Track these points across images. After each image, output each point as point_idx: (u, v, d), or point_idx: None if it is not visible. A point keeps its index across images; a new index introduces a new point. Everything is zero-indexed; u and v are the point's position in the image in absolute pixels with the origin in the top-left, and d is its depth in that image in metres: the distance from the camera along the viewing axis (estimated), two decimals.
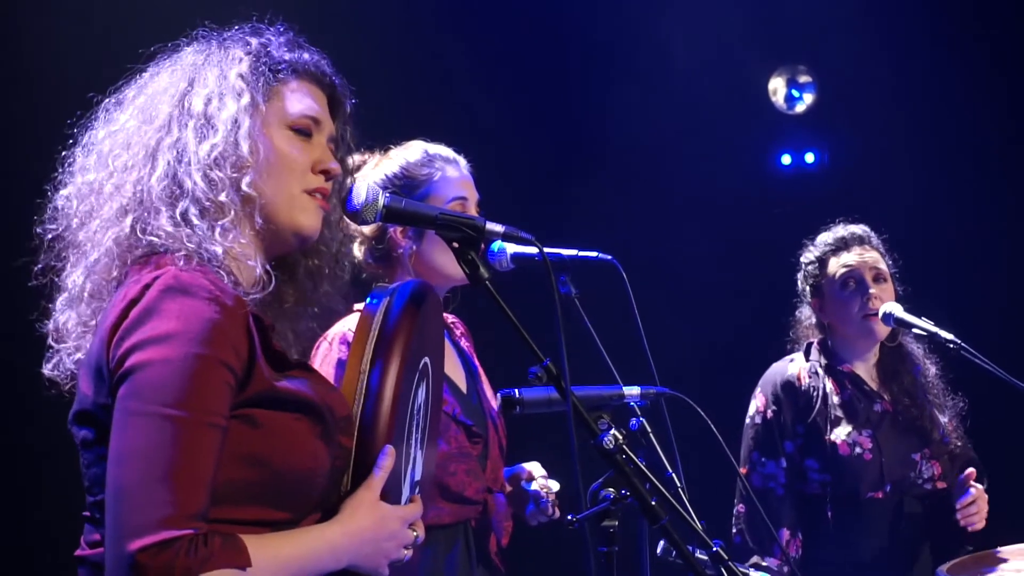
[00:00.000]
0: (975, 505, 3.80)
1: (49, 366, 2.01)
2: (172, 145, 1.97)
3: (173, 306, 1.80)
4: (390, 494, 2.02)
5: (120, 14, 4.61)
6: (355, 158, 3.18)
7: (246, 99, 2.00)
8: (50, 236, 2.03)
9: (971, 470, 3.84)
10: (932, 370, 4.02)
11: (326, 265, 2.19)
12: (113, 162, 1.99)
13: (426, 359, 2.20)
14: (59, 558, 2.17)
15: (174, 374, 1.76)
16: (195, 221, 1.92)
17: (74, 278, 1.97)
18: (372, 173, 3.13)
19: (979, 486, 3.84)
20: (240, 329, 1.84)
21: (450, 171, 3.15)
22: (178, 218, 1.92)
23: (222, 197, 1.95)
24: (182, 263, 1.87)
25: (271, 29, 2.12)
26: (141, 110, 2.02)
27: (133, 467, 1.73)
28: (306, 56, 2.10)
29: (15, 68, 4.62)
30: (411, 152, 3.17)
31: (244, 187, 1.97)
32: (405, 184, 3.10)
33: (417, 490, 2.18)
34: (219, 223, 1.93)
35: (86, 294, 1.95)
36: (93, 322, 1.94)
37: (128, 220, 1.94)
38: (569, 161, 6.05)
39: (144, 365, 1.77)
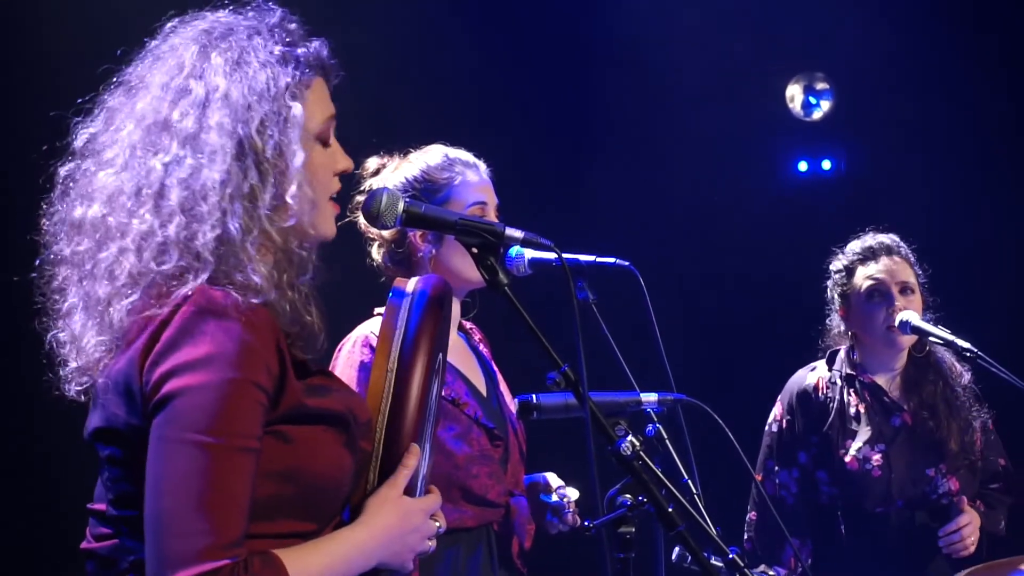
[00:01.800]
0: (958, 533, 3.77)
1: (69, 387, 1.95)
2: (236, 189, 1.88)
3: (207, 328, 1.79)
4: (412, 489, 2.03)
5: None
6: (374, 162, 3.21)
7: (300, 131, 1.94)
8: (67, 250, 1.96)
9: (963, 498, 3.82)
10: (965, 378, 3.98)
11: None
12: (144, 175, 1.91)
13: (440, 355, 2.21)
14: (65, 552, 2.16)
15: (211, 401, 1.76)
16: (234, 245, 1.87)
17: (97, 293, 1.91)
18: (392, 177, 3.14)
19: (970, 512, 3.81)
20: (271, 348, 1.83)
21: (470, 175, 3.15)
22: (216, 244, 1.87)
23: (277, 237, 1.91)
24: (212, 284, 1.84)
25: (276, 13, 2.03)
26: (176, 130, 1.91)
27: (173, 497, 1.74)
28: (319, 48, 2.03)
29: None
30: (431, 156, 3.18)
31: (304, 223, 1.94)
32: (425, 188, 3.10)
33: (427, 480, 2.18)
34: (255, 244, 1.89)
35: (110, 311, 1.90)
36: (116, 339, 1.89)
37: (160, 240, 1.88)
38: (585, 167, 6.04)
39: (181, 392, 1.76)
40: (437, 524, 2.07)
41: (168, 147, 1.90)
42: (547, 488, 3.14)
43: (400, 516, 1.98)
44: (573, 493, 3.13)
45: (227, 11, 2.03)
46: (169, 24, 2.03)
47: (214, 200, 1.87)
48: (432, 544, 2.06)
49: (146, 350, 1.82)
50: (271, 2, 2.06)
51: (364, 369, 2.94)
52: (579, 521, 3.11)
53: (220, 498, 1.74)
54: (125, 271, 1.88)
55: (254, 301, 1.85)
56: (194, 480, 1.73)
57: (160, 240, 1.87)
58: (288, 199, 1.91)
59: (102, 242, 1.92)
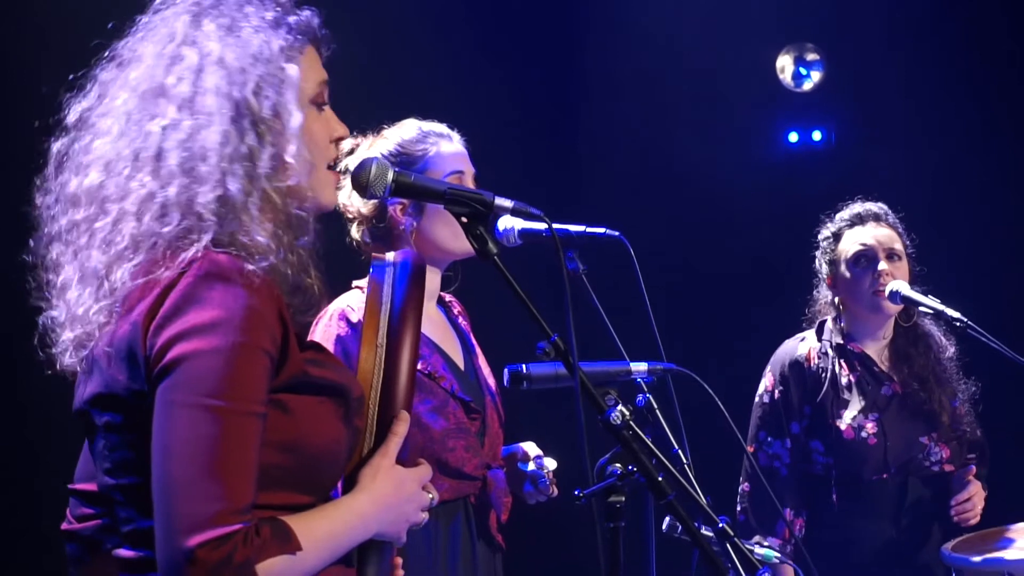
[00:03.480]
0: (970, 502, 3.82)
1: (64, 358, 1.93)
2: (235, 150, 1.88)
3: (213, 293, 1.78)
4: (403, 458, 2.03)
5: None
6: (348, 142, 3.19)
7: (296, 92, 1.94)
8: (63, 223, 1.94)
9: (972, 467, 3.85)
10: (950, 351, 4.01)
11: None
12: (141, 140, 1.90)
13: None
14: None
15: (220, 365, 1.75)
16: (235, 205, 1.86)
17: (95, 261, 1.89)
18: (368, 154, 3.13)
19: (977, 482, 3.86)
20: (275, 315, 1.83)
21: (444, 146, 3.16)
22: (218, 205, 1.86)
23: (276, 198, 1.91)
24: (216, 247, 1.84)
25: None
26: (172, 95, 1.90)
27: (184, 461, 1.73)
28: (311, 16, 2.03)
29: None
30: (405, 130, 3.18)
31: (303, 184, 1.94)
32: (401, 161, 3.10)
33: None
34: (256, 205, 1.88)
35: (111, 277, 1.88)
36: (116, 305, 1.87)
37: (160, 202, 1.86)
38: (574, 137, 6.04)
39: (189, 356, 1.75)
40: (430, 495, 2.07)
41: (165, 111, 1.89)
42: (525, 457, 3.15)
43: (395, 485, 1.98)
44: (551, 463, 3.13)
45: None
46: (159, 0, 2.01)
47: (213, 161, 1.86)
48: (425, 516, 2.06)
49: (151, 314, 1.80)
50: None
51: (340, 342, 2.95)
52: (555, 491, 3.12)
53: (232, 463, 1.73)
54: (126, 236, 1.87)
55: (261, 264, 1.84)
56: (205, 444, 1.72)
57: (160, 202, 1.86)
58: (287, 158, 1.91)
59: (100, 209, 1.90)
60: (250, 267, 1.82)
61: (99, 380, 1.87)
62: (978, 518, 3.84)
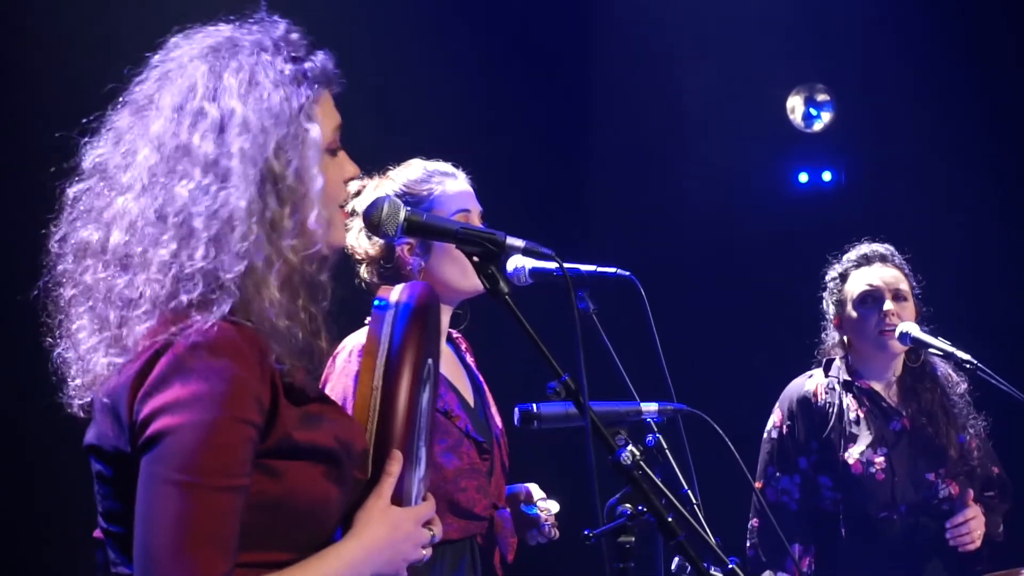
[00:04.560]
0: (966, 525, 3.80)
1: (73, 403, 1.95)
2: (260, 217, 1.86)
3: (198, 365, 1.78)
4: (402, 498, 2.02)
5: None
6: (354, 184, 3.19)
7: (318, 152, 1.92)
8: (74, 272, 1.94)
9: (970, 491, 3.84)
10: (961, 387, 4.01)
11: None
12: (168, 201, 1.87)
13: (430, 361, 2.20)
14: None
15: (198, 441, 1.76)
16: (258, 275, 1.85)
17: (112, 317, 1.89)
18: (375, 196, 3.14)
19: (976, 506, 3.84)
20: (264, 380, 1.83)
21: (450, 185, 3.16)
22: (243, 277, 1.85)
23: (289, 255, 1.89)
24: (212, 316, 1.82)
25: (280, 26, 2.00)
26: (196, 156, 1.88)
27: (160, 533, 1.75)
28: (325, 60, 2.00)
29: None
30: (411, 171, 3.18)
31: (312, 250, 1.92)
32: (407, 202, 3.06)
33: (425, 485, 2.18)
34: (278, 275, 1.87)
35: (124, 333, 1.87)
36: (119, 359, 1.87)
37: (184, 268, 1.85)
38: (585, 178, 6.05)
39: (169, 431, 1.77)
40: (431, 532, 2.06)
41: (191, 173, 1.87)
42: (528, 499, 3.15)
43: (389, 526, 1.97)
44: (553, 506, 3.14)
45: (231, 25, 2.00)
46: (172, 40, 2.00)
47: (241, 229, 1.85)
48: (427, 553, 2.05)
49: (139, 380, 1.81)
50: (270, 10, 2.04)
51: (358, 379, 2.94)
52: (557, 534, 3.12)
53: (204, 538, 1.75)
54: (147, 298, 1.86)
55: (255, 330, 1.83)
56: (181, 520, 1.75)
57: (185, 268, 1.84)
58: (310, 225, 1.90)
59: (122, 267, 1.89)
60: (240, 333, 1.82)
61: (95, 430, 1.90)
62: (977, 543, 3.81)
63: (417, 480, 2.14)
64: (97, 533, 1.97)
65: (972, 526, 3.80)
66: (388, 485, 1.99)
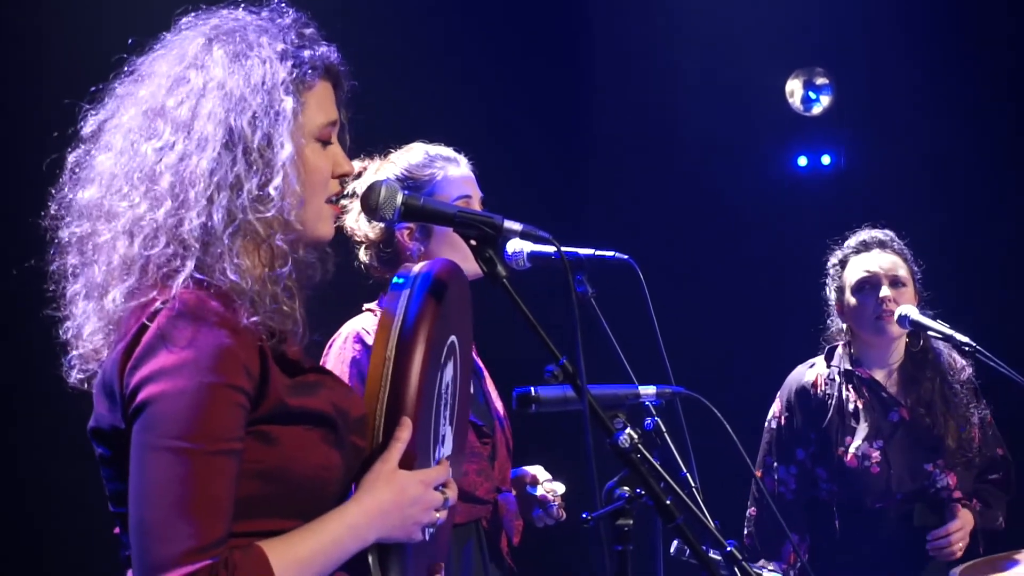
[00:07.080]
0: (947, 539, 3.80)
1: (71, 373, 1.98)
2: (223, 178, 1.90)
3: (184, 333, 1.81)
4: (413, 466, 2.02)
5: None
6: (355, 164, 3.20)
7: (294, 127, 1.95)
8: (75, 236, 1.97)
9: (957, 505, 3.83)
10: (965, 373, 4.01)
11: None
12: (137, 159, 1.93)
13: (453, 338, 2.20)
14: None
15: (187, 406, 1.78)
16: (217, 234, 1.88)
17: (95, 277, 1.93)
18: (375, 178, 3.14)
19: (964, 517, 3.83)
20: (251, 349, 1.85)
21: (452, 170, 3.16)
22: (201, 232, 1.88)
23: (259, 228, 1.92)
24: (195, 286, 1.85)
25: (289, 15, 2.05)
26: (171, 117, 1.93)
27: (153, 503, 1.77)
28: (328, 52, 2.04)
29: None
30: (412, 155, 3.18)
31: (287, 216, 1.94)
32: (408, 186, 3.09)
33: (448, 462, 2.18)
34: (235, 235, 1.90)
35: (106, 297, 1.91)
36: (110, 328, 1.91)
37: (149, 225, 1.89)
38: (584, 161, 6.05)
39: (157, 398, 1.79)
40: (445, 496, 2.06)
41: (161, 133, 1.92)
42: (533, 481, 3.15)
43: (394, 490, 1.98)
44: (559, 487, 3.15)
45: (244, 10, 2.05)
46: (184, 19, 2.05)
47: (201, 188, 1.89)
48: (441, 516, 2.05)
49: (127, 353, 1.83)
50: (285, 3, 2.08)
51: (355, 365, 2.95)
52: (563, 515, 3.13)
53: (199, 502, 1.76)
54: (119, 255, 1.90)
55: (235, 300, 1.86)
56: (173, 486, 1.76)
57: (149, 225, 1.89)
58: (271, 190, 1.92)
59: (98, 225, 1.93)
60: (224, 302, 1.84)
61: (94, 414, 1.92)
62: (956, 555, 3.80)
63: (438, 457, 2.14)
64: (117, 530, 1.97)
65: (954, 539, 3.81)
66: (396, 451, 2.00)
